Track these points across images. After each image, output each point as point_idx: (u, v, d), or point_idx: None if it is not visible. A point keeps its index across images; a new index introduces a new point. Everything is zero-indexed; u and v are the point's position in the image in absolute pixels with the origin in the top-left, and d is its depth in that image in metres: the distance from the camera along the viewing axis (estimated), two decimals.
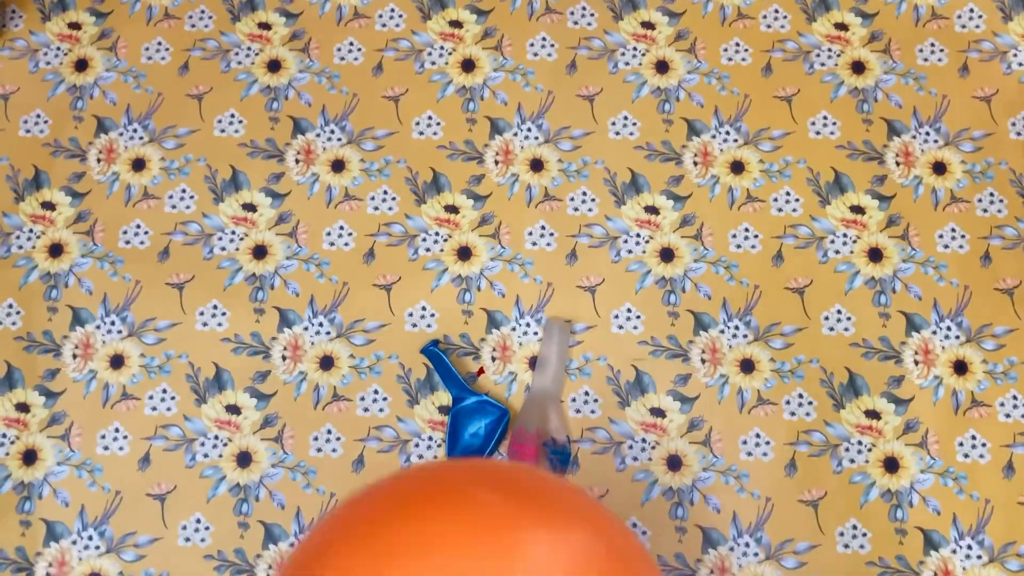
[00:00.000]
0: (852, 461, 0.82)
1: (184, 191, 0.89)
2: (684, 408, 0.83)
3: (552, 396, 0.82)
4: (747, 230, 0.87)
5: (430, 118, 0.91)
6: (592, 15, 0.93)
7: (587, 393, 0.83)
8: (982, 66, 0.92)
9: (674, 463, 0.82)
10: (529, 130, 0.90)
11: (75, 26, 0.94)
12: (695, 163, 0.89)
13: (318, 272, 0.86)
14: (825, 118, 0.90)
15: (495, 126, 0.90)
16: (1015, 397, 0.83)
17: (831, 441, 0.82)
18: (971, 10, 0.93)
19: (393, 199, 0.88)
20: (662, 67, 0.92)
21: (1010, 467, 0.82)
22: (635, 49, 0.92)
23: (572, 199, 0.88)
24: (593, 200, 0.88)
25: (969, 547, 0.80)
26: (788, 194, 0.88)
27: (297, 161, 0.89)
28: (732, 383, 0.83)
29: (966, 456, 0.82)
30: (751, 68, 0.92)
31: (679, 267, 0.86)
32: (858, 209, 0.88)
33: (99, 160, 0.90)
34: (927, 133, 0.90)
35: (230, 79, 0.92)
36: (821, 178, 0.88)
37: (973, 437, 0.82)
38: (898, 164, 0.89)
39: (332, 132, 0.90)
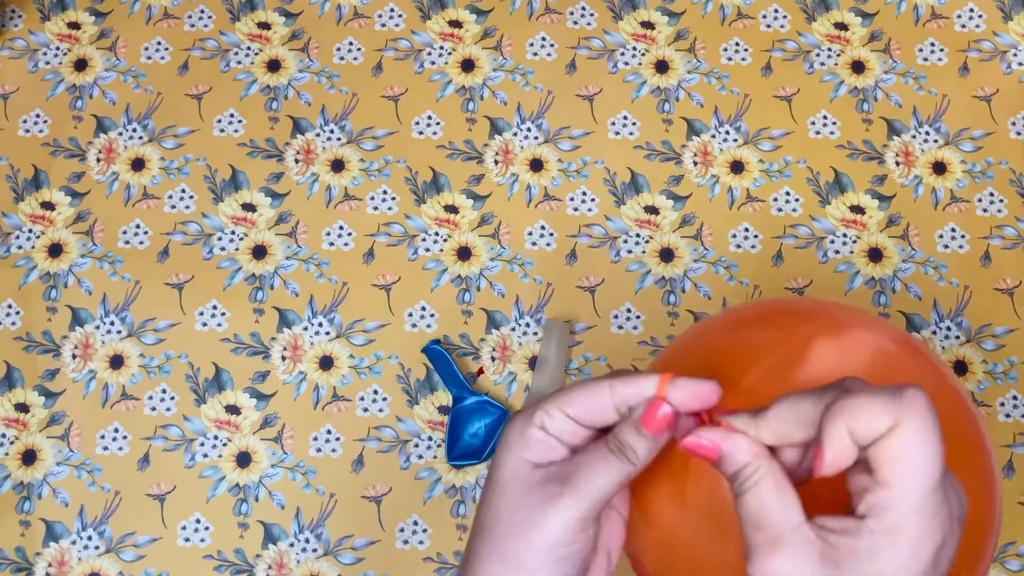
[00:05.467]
0: None
1: (184, 191, 0.89)
2: None
3: None
4: (747, 230, 0.87)
5: (430, 118, 0.90)
6: (592, 15, 0.93)
7: None
8: (982, 66, 0.91)
9: None
10: (529, 130, 0.90)
11: (74, 26, 0.94)
12: (695, 163, 0.89)
13: (318, 272, 0.86)
14: (825, 118, 0.90)
15: (495, 126, 0.90)
16: (1015, 397, 0.83)
17: None
18: (971, 10, 0.93)
19: (393, 199, 0.88)
20: (662, 67, 0.92)
21: (1010, 467, 0.82)
22: (635, 49, 0.92)
23: (572, 199, 0.88)
24: (593, 200, 0.88)
25: None
26: (788, 194, 0.88)
27: (297, 161, 0.89)
28: None
29: None
30: (751, 68, 0.92)
31: (679, 267, 0.86)
32: (858, 209, 0.87)
33: (99, 160, 0.90)
34: (927, 133, 0.90)
35: (230, 79, 0.92)
36: (821, 178, 0.88)
37: None
38: (898, 164, 0.89)
39: (332, 132, 0.90)
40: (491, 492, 0.45)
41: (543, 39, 0.93)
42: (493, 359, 0.84)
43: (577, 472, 0.44)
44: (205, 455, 0.83)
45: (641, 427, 0.44)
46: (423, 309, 0.85)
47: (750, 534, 0.39)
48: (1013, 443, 0.82)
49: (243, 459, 0.83)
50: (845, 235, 0.87)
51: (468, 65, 0.92)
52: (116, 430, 0.83)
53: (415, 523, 0.81)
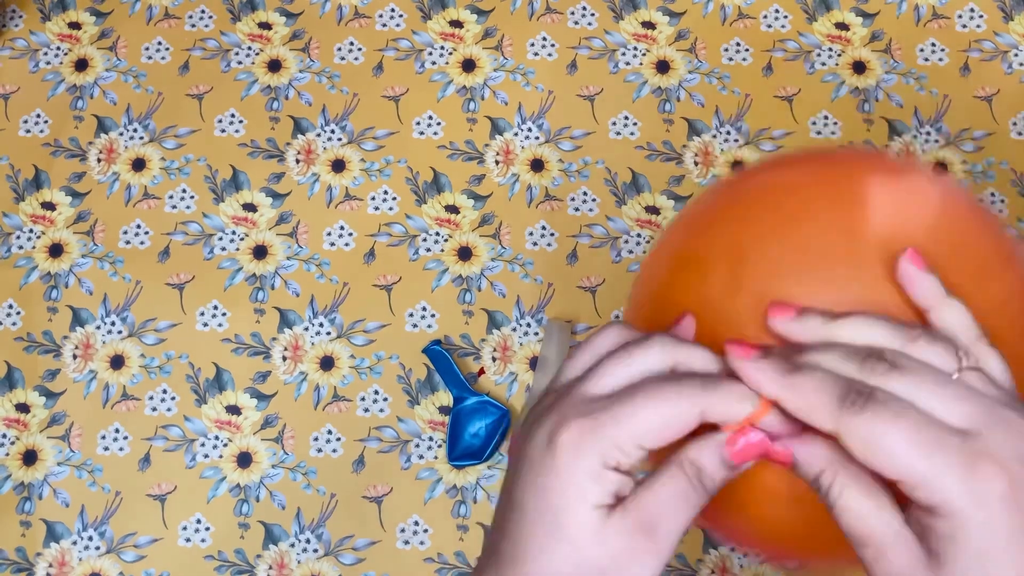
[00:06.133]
0: None
1: (184, 191, 0.89)
2: None
3: None
4: None
5: (430, 118, 0.90)
6: (592, 15, 0.93)
7: None
8: (983, 66, 0.91)
9: None
10: (530, 130, 0.90)
11: (75, 26, 0.94)
12: (696, 163, 0.89)
13: (318, 272, 0.86)
14: (826, 118, 0.90)
15: (495, 126, 0.90)
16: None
17: None
18: (972, 10, 0.93)
19: (394, 199, 0.88)
20: (663, 67, 0.92)
21: None
22: (635, 49, 0.92)
23: (573, 199, 0.88)
24: (594, 200, 0.88)
25: None
26: None
27: (297, 161, 0.89)
28: None
29: None
30: (752, 68, 0.92)
31: None
32: None
33: (99, 160, 0.90)
34: (928, 133, 0.89)
35: (230, 79, 0.92)
36: None
37: None
38: None
39: (332, 132, 0.90)
40: (550, 540, 0.38)
41: (544, 39, 0.93)
42: (494, 359, 0.84)
43: (659, 520, 0.37)
44: (206, 455, 0.83)
45: (726, 453, 0.38)
46: (424, 309, 0.85)
47: (859, 551, 0.36)
48: None
49: (244, 459, 0.83)
50: None
51: (469, 65, 0.92)
52: (117, 430, 0.83)
53: (416, 523, 0.81)
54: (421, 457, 0.82)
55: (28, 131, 0.91)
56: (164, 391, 0.84)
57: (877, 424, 0.35)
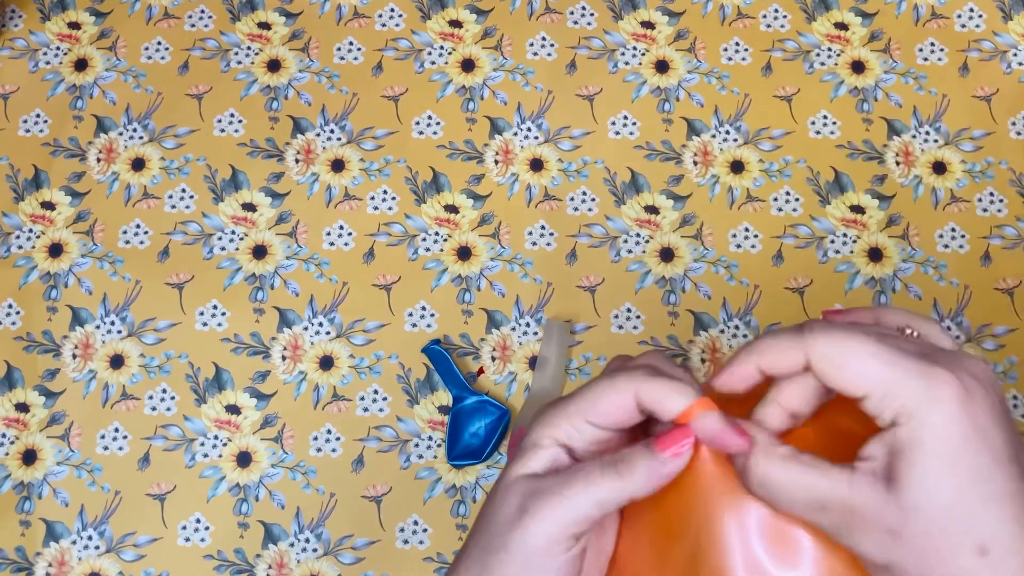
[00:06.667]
0: None
1: (184, 191, 0.89)
2: None
3: (552, 396, 0.82)
4: (747, 230, 0.87)
5: (430, 118, 0.90)
6: (592, 15, 0.93)
7: None
8: (982, 66, 0.91)
9: None
10: (529, 130, 0.90)
11: (75, 26, 0.94)
12: (695, 163, 0.89)
13: (318, 272, 0.86)
14: (825, 117, 0.90)
15: (495, 126, 0.90)
16: (1015, 397, 0.83)
17: None
18: (971, 9, 0.93)
19: (393, 199, 0.88)
20: (662, 67, 0.92)
21: None
22: (635, 49, 0.92)
23: (572, 199, 0.88)
24: (593, 200, 0.88)
25: None
26: (788, 194, 0.88)
27: (297, 161, 0.89)
28: None
29: None
30: (751, 68, 0.92)
31: (679, 267, 0.86)
32: (858, 209, 0.88)
33: (99, 160, 0.90)
34: (927, 133, 0.90)
35: (230, 79, 0.92)
36: (821, 178, 0.88)
37: None
38: (898, 164, 0.89)
39: (332, 132, 0.90)
40: (491, 494, 0.42)
41: (543, 39, 0.93)
42: (493, 359, 0.84)
43: (566, 482, 0.40)
44: (205, 455, 0.83)
45: (654, 446, 0.40)
46: (423, 309, 0.85)
47: (824, 521, 0.37)
48: None
49: (243, 459, 0.83)
50: (845, 235, 0.87)
51: (468, 65, 0.92)
52: (116, 430, 0.83)
53: (415, 523, 0.81)
54: (420, 457, 0.82)
55: (28, 131, 0.91)
56: (164, 391, 0.84)
57: (840, 340, 0.37)
